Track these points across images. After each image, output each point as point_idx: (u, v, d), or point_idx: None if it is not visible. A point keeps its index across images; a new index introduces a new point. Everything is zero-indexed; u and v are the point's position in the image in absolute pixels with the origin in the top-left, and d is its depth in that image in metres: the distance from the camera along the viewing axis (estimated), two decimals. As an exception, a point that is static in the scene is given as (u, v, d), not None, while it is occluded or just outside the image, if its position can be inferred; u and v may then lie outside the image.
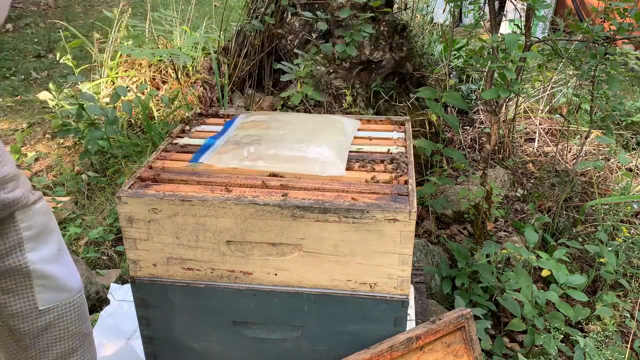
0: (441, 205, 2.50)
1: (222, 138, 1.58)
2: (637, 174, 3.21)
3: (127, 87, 3.34)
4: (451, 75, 3.97)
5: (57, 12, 7.05)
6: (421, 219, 2.74)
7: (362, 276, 1.32)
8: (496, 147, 3.25)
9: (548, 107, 3.85)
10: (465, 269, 2.19)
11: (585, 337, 1.88)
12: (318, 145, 1.46)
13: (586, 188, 3.07)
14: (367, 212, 1.24)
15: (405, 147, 1.57)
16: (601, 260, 2.19)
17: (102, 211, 2.77)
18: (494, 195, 2.46)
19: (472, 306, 2.08)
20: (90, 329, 1.44)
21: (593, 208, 2.81)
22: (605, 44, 2.30)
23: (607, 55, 2.30)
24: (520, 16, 2.56)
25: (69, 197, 2.85)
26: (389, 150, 1.55)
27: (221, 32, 3.81)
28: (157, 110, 3.56)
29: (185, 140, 1.62)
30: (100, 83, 3.77)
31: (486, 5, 2.44)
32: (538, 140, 3.60)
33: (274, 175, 1.40)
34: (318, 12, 3.04)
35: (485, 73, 2.61)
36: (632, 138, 3.62)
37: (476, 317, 1.95)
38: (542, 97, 3.90)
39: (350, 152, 1.52)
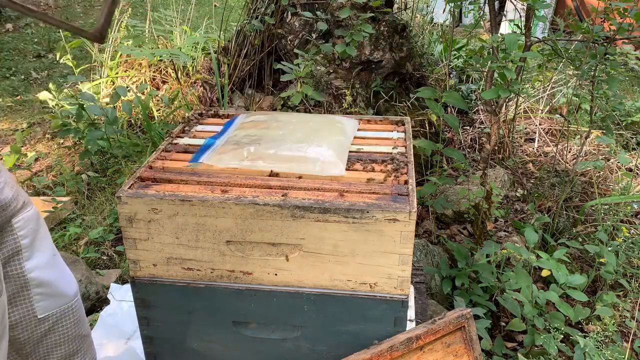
0: (441, 205, 2.50)
1: (222, 138, 1.58)
2: (637, 174, 3.21)
3: (127, 87, 3.35)
4: (451, 75, 3.97)
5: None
6: (421, 219, 2.74)
7: (362, 276, 1.32)
8: (496, 147, 3.26)
9: (548, 107, 3.85)
10: (465, 269, 2.19)
11: (585, 337, 1.88)
12: (318, 145, 1.46)
13: (586, 188, 3.07)
14: (367, 212, 1.24)
15: (405, 147, 1.57)
16: (601, 260, 2.19)
17: (102, 211, 2.77)
18: (494, 195, 2.46)
19: (472, 306, 2.08)
20: (89, 331, 1.44)
21: (593, 208, 2.81)
22: (605, 44, 2.30)
23: (607, 55, 2.30)
24: (520, 16, 2.56)
25: (69, 197, 2.85)
26: (389, 150, 1.55)
27: (221, 32, 3.82)
28: (157, 110, 3.56)
29: (185, 140, 1.62)
30: (100, 83, 3.77)
31: (486, 5, 2.44)
32: (538, 140, 3.60)
33: (275, 175, 1.40)
34: (318, 12, 3.04)
35: (485, 73, 2.61)
36: (632, 138, 3.62)
37: (476, 317, 1.95)
38: (542, 97, 3.90)
39: (350, 152, 1.52)
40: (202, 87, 3.67)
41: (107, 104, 3.21)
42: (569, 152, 3.41)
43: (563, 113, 3.73)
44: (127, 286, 2.17)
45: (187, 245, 1.33)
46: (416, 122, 3.18)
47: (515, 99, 3.57)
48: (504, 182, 3.02)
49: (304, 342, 1.42)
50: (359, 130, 1.71)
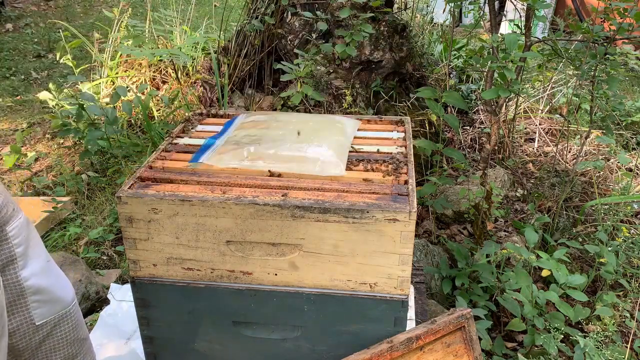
0: (441, 205, 2.50)
1: (222, 138, 1.58)
2: (637, 174, 3.21)
3: (127, 87, 3.35)
4: (451, 75, 3.97)
5: (57, 12, 7.05)
6: (421, 219, 2.74)
7: (362, 276, 1.32)
8: (496, 147, 3.25)
9: (548, 107, 3.85)
10: (465, 269, 2.19)
11: (585, 337, 1.88)
12: (318, 145, 1.46)
13: (586, 188, 3.07)
14: (367, 212, 1.24)
15: (405, 147, 1.57)
16: (601, 260, 2.19)
17: (102, 211, 2.77)
18: (494, 195, 2.46)
19: (472, 306, 2.08)
20: (87, 334, 1.44)
21: (593, 208, 2.81)
22: (605, 44, 2.30)
23: (607, 55, 2.30)
24: (520, 16, 2.56)
25: (69, 197, 2.85)
26: (389, 150, 1.55)
27: (221, 32, 3.82)
28: (157, 110, 3.56)
29: (185, 140, 1.62)
30: (100, 83, 3.77)
31: (486, 5, 2.44)
32: (538, 140, 3.60)
33: (276, 174, 1.40)
34: (318, 12, 3.03)
35: (485, 73, 2.61)
36: (632, 138, 3.62)
37: (476, 317, 1.95)
38: (542, 97, 3.90)
39: (350, 152, 1.52)
40: (202, 87, 3.67)
41: (107, 104, 3.21)
42: (569, 152, 3.41)
43: (563, 113, 3.73)
44: (127, 286, 2.17)
45: (187, 245, 1.33)
46: (416, 122, 3.18)
47: (515, 99, 3.57)
48: (504, 182, 3.02)
49: (304, 342, 1.42)
50: (359, 130, 1.71)
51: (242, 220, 1.28)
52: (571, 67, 3.37)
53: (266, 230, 1.28)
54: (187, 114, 2.16)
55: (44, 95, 3.62)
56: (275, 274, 1.34)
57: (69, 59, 3.45)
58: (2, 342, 1.11)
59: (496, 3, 2.46)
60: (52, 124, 3.38)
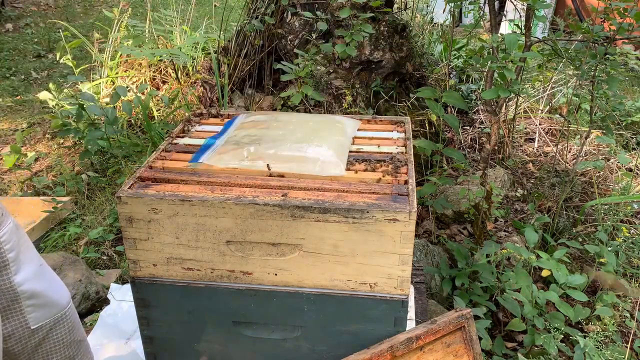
0: (441, 205, 2.50)
1: (222, 138, 1.58)
2: (637, 174, 3.21)
3: (127, 87, 3.34)
4: (451, 75, 3.97)
5: (57, 12, 7.05)
6: (421, 219, 2.74)
7: (362, 276, 1.31)
8: (496, 147, 3.25)
9: (548, 107, 3.85)
10: (465, 269, 2.19)
11: (585, 337, 1.88)
12: (318, 145, 1.46)
13: (586, 188, 3.07)
14: (367, 212, 1.24)
15: (405, 147, 1.57)
16: (601, 260, 2.19)
17: (102, 211, 2.77)
18: (494, 195, 2.46)
19: (472, 306, 2.08)
20: (85, 335, 1.44)
21: (593, 208, 2.81)
22: (605, 44, 2.30)
23: (607, 55, 2.30)
24: (520, 16, 2.56)
25: (69, 197, 2.85)
26: (389, 150, 1.55)
27: (221, 32, 3.81)
28: (157, 110, 3.56)
29: (185, 140, 1.62)
30: (100, 83, 3.77)
31: (486, 5, 2.44)
32: (538, 140, 3.60)
33: (276, 175, 1.40)
34: (318, 12, 3.03)
35: (485, 73, 2.61)
36: (632, 138, 3.62)
37: (476, 317, 1.95)
38: (542, 97, 3.90)
39: (350, 152, 1.52)
40: (202, 87, 3.67)
41: (107, 104, 3.21)
42: (569, 152, 3.41)
43: (563, 113, 3.73)
44: (127, 286, 2.17)
45: (187, 245, 1.33)
46: (416, 122, 3.18)
47: (515, 99, 3.57)
48: (504, 182, 3.02)
49: (304, 342, 1.42)
50: (359, 130, 1.71)
51: (242, 220, 1.28)
52: (571, 67, 3.37)
53: (266, 230, 1.28)
54: (187, 114, 2.16)
55: (44, 95, 3.62)
56: (275, 274, 1.34)
57: (69, 59, 3.45)
58: None
59: (496, 3, 2.46)
60: (52, 124, 3.38)
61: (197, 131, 1.70)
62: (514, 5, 2.56)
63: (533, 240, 2.16)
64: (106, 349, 1.88)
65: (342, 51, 2.42)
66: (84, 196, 2.89)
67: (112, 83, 3.77)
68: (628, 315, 2.12)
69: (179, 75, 3.70)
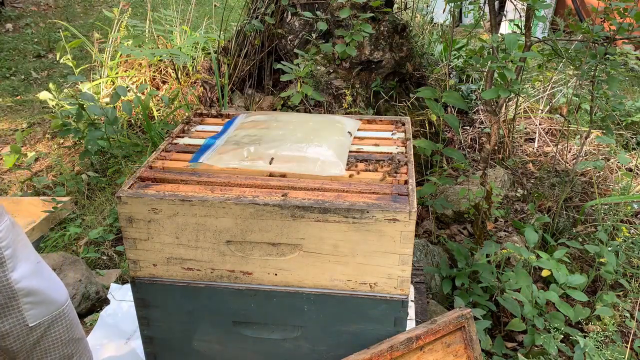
0: (441, 205, 2.50)
1: (222, 138, 1.58)
2: (637, 174, 3.21)
3: (127, 87, 3.35)
4: (451, 75, 3.97)
5: (57, 12, 7.04)
6: (421, 219, 2.74)
7: (362, 276, 1.31)
8: (496, 147, 3.25)
9: (548, 107, 3.85)
10: (465, 269, 2.19)
11: (585, 337, 1.88)
12: (318, 145, 1.46)
13: (586, 188, 3.07)
14: (367, 212, 1.24)
15: (405, 147, 1.57)
16: (601, 260, 2.19)
17: (102, 211, 2.77)
18: (494, 195, 2.46)
19: (472, 306, 2.08)
20: (83, 334, 1.44)
21: (593, 208, 2.81)
22: (605, 44, 2.30)
23: (607, 55, 2.30)
24: (520, 16, 2.56)
25: (69, 197, 2.85)
26: (389, 150, 1.55)
27: (221, 32, 3.81)
28: (157, 110, 3.56)
29: (185, 140, 1.62)
30: (100, 83, 3.77)
31: (486, 5, 2.44)
32: (538, 140, 3.60)
33: (277, 175, 1.40)
34: (318, 12, 3.03)
35: (485, 73, 2.61)
36: (632, 138, 3.62)
37: (476, 317, 1.95)
38: (542, 97, 3.90)
39: (350, 152, 1.52)
40: (202, 87, 3.67)
41: (107, 104, 3.21)
42: (569, 152, 3.41)
43: (563, 113, 3.73)
44: (127, 286, 2.17)
45: (187, 245, 1.33)
46: (416, 122, 3.18)
47: (515, 99, 3.57)
48: (504, 182, 3.02)
49: (304, 342, 1.42)
50: (359, 130, 1.71)
51: (242, 220, 1.28)
52: (571, 67, 3.37)
53: (266, 230, 1.28)
54: (187, 114, 2.16)
55: (44, 95, 3.62)
56: (275, 274, 1.34)
57: (69, 59, 3.45)
58: None
59: (496, 3, 2.46)
60: (52, 124, 3.38)
61: (197, 131, 1.70)
62: (514, 5, 2.56)
63: (533, 240, 2.16)
64: (106, 348, 1.88)
65: (342, 51, 2.42)
66: (84, 196, 2.89)
67: (112, 83, 3.77)
68: (628, 315, 2.12)
69: (179, 75, 3.70)
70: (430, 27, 4.81)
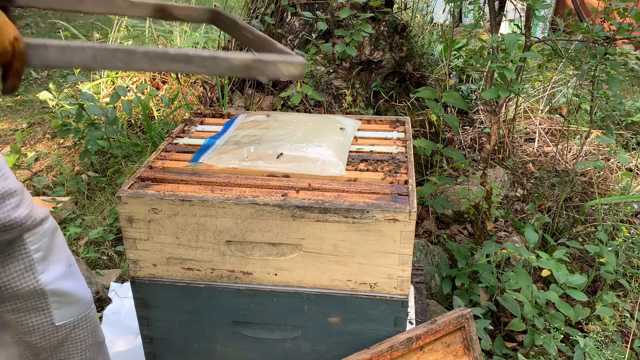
0: (441, 205, 2.50)
1: (222, 138, 1.58)
2: (637, 174, 3.21)
3: (127, 87, 3.35)
4: (451, 75, 3.97)
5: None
6: (421, 219, 2.74)
7: (362, 276, 1.32)
8: (496, 147, 3.26)
9: (548, 107, 3.85)
10: (465, 269, 2.19)
11: (585, 337, 1.88)
12: (318, 145, 1.46)
13: (586, 188, 3.07)
14: (367, 212, 1.24)
15: (405, 147, 1.57)
16: (601, 260, 2.19)
17: (102, 211, 2.77)
18: (494, 195, 2.46)
19: (472, 306, 2.08)
20: (104, 337, 1.46)
21: (593, 208, 2.81)
22: (605, 44, 2.30)
23: (607, 55, 2.30)
24: (520, 16, 2.56)
25: (69, 197, 2.85)
26: (389, 150, 1.55)
27: (221, 32, 3.82)
28: (157, 110, 3.56)
29: (185, 140, 1.62)
30: (100, 83, 3.77)
31: (486, 5, 2.44)
32: (538, 140, 3.60)
33: (283, 175, 1.40)
34: (318, 12, 3.04)
35: (485, 73, 2.61)
36: (632, 138, 3.62)
37: (476, 317, 1.95)
38: (542, 97, 3.90)
39: (350, 152, 1.52)
40: (202, 87, 3.67)
41: (107, 104, 3.21)
42: (569, 152, 3.41)
43: (563, 113, 3.73)
44: (128, 284, 2.17)
45: (187, 245, 1.33)
46: (416, 122, 3.18)
47: (515, 99, 3.57)
48: (504, 182, 3.02)
49: (304, 342, 1.42)
50: (359, 130, 1.71)
51: (242, 220, 1.28)
52: (571, 67, 3.37)
53: (266, 230, 1.28)
54: (187, 114, 2.17)
55: (44, 95, 3.62)
56: (275, 274, 1.34)
57: (69, 59, 3.45)
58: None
59: (496, 3, 2.46)
60: (52, 124, 3.39)
61: (197, 131, 1.70)
62: (514, 5, 2.56)
63: (533, 240, 2.16)
64: (116, 344, 1.91)
65: (342, 51, 2.42)
66: (84, 196, 2.89)
67: (112, 83, 3.78)
68: (628, 315, 2.12)
69: (179, 75, 3.70)
70: (430, 27, 4.81)
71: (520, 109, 3.74)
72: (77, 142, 3.43)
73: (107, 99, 3.43)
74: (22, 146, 3.48)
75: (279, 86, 3.55)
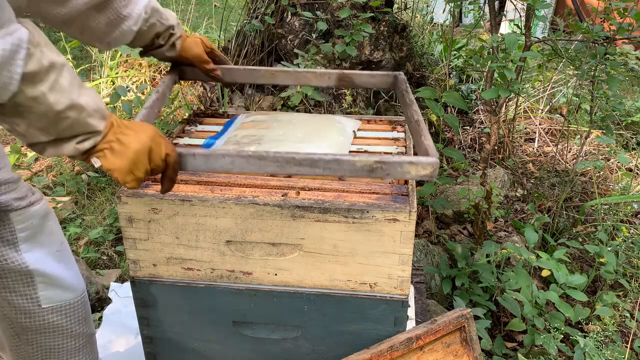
0: (441, 205, 2.50)
1: (222, 138, 1.57)
2: (637, 174, 3.21)
3: (127, 87, 3.35)
4: (451, 75, 3.97)
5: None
6: (421, 219, 2.74)
7: (362, 276, 1.32)
8: (496, 147, 3.26)
9: (548, 107, 3.85)
10: (465, 269, 2.19)
11: (585, 337, 1.88)
12: (318, 145, 1.46)
13: (586, 188, 3.07)
14: (367, 212, 1.24)
15: (405, 147, 1.57)
16: (601, 260, 2.19)
17: (102, 211, 2.77)
18: (494, 195, 2.46)
19: (472, 306, 2.08)
20: (94, 330, 1.46)
21: (593, 208, 2.81)
22: (605, 44, 2.30)
23: (607, 55, 2.30)
24: (520, 16, 2.57)
25: (69, 197, 2.85)
26: (389, 150, 1.55)
27: (221, 32, 3.82)
28: (157, 110, 3.55)
29: (185, 140, 1.62)
30: (100, 83, 3.77)
31: (486, 5, 2.44)
32: (538, 140, 3.60)
33: (282, 175, 1.40)
34: (318, 12, 3.04)
35: (485, 73, 2.61)
36: (632, 138, 3.63)
37: (476, 317, 1.95)
38: (542, 97, 3.90)
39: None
40: (202, 87, 3.67)
41: (107, 104, 3.21)
42: (569, 152, 3.41)
43: (563, 113, 3.73)
44: (128, 284, 2.17)
45: (187, 245, 1.33)
46: (416, 122, 3.17)
47: (515, 99, 3.57)
48: (504, 182, 3.02)
49: (304, 342, 1.42)
50: (359, 130, 1.71)
51: (242, 220, 1.28)
52: (571, 67, 3.37)
53: (266, 230, 1.28)
54: (187, 114, 2.16)
55: (44, 95, 3.61)
56: (275, 274, 1.34)
57: (69, 59, 3.46)
58: None
59: (496, 3, 2.47)
60: (52, 124, 3.37)
61: (197, 131, 1.70)
62: (514, 5, 2.56)
63: (533, 240, 2.16)
64: (116, 344, 1.91)
65: (342, 51, 2.42)
66: (84, 196, 2.89)
67: (112, 83, 3.78)
68: (628, 315, 2.12)
69: (179, 75, 3.69)
70: (430, 27, 4.81)
71: (520, 109, 3.74)
72: (77, 142, 3.42)
73: (107, 99, 3.44)
74: (22, 146, 3.48)
75: (279, 86, 3.55)
